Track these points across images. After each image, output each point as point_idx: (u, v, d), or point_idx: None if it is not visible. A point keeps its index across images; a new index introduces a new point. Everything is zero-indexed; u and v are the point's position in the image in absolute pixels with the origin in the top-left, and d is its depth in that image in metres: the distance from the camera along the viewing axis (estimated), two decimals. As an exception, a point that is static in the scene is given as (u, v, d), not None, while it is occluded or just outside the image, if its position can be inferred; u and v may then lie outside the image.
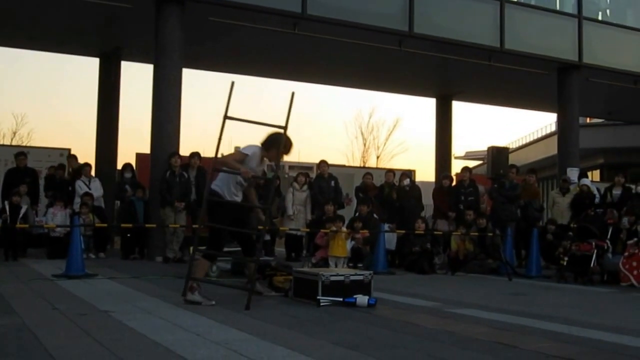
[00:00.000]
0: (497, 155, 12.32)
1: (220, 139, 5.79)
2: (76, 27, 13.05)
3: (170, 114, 11.20)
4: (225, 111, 5.74)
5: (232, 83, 5.74)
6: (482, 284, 8.89)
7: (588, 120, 30.77)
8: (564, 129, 15.50)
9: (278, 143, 5.93)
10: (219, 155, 6.02)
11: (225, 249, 7.86)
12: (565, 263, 9.22)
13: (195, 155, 11.19)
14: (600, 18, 15.80)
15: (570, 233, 9.87)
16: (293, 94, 5.77)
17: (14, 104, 56.32)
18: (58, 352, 3.59)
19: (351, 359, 3.61)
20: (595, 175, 30.56)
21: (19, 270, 8.62)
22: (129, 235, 11.37)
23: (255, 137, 6.28)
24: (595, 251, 8.93)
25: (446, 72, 16.16)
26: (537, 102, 19.32)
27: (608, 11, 16.01)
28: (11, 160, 11.70)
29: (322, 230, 10.39)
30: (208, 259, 6.07)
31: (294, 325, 4.76)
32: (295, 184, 11.64)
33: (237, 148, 6.37)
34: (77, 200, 11.37)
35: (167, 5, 11.15)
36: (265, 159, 6.18)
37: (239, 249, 6.77)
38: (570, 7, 15.09)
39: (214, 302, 5.64)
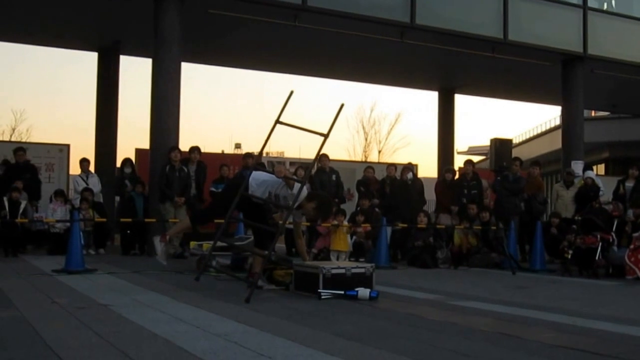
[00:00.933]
0: (500, 148, 12.19)
1: (267, 139, 6.31)
2: (74, 21, 12.95)
3: (169, 108, 11.11)
4: (278, 116, 6.16)
5: (291, 92, 6.21)
6: (485, 277, 8.83)
7: (593, 113, 30.64)
8: (568, 122, 15.35)
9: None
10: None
11: (236, 243, 7.86)
12: (569, 256, 9.13)
13: (195, 149, 11.10)
14: (605, 8, 15.66)
15: (575, 226, 9.79)
16: (342, 105, 6.06)
17: (13, 99, 56.33)
18: (57, 343, 3.59)
19: (352, 350, 3.60)
20: (601, 169, 30.46)
21: (19, 266, 8.61)
22: (128, 231, 11.32)
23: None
24: (600, 244, 8.85)
25: (449, 64, 16.04)
26: (542, 94, 19.20)
27: (613, 1, 15.83)
28: (10, 156, 11.63)
29: (323, 224, 10.30)
30: (191, 221, 6.56)
31: (294, 318, 4.73)
32: (296, 178, 11.51)
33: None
34: (76, 196, 11.34)
35: (166, -2, 11.05)
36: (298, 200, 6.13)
37: (251, 238, 6.80)
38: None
39: (165, 264, 6.13)
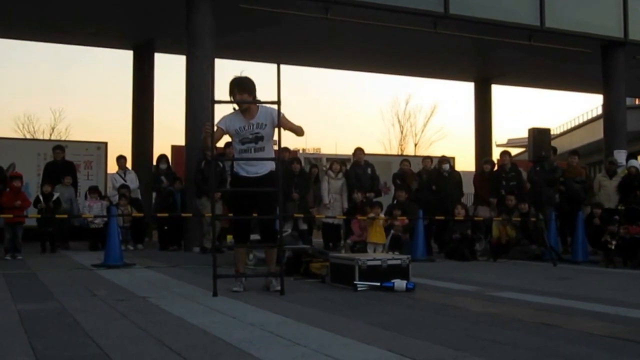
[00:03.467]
0: (538, 137, 11.89)
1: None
2: (110, 20, 13.23)
3: (203, 104, 11.19)
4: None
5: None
6: (525, 269, 8.68)
7: (637, 101, 29.85)
8: (609, 111, 15.01)
9: (231, 86, 5.65)
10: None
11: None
12: (613, 247, 8.90)
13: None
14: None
15: (617, 217, 9.53)
16: (279, 66, 5.53)
17: (52, 99, 57.84)
18: (96, 333, 3.68)
19: (388, 339, 3.57)
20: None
21: (59, 261, 8.87)
22: (166, 227, 11.46)
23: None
24: (646, 234, 8.60)
25: (484, 54, 15.89)
26: (582, 82, 18.86)
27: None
28: (50, 154, 11.91)
29: (358, 217, 10.28)
30: (238, 242, 5.97)
31: (330, 309, 4.73)
32: (330, 172, 11.52)
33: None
34: (114, 192, 11.53)
35: (197, -7, 11.17)
36: (247, 108, 5.65)
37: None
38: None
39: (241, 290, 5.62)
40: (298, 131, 5.79)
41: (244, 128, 5.62)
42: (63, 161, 11.61)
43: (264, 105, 5.67)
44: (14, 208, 9.33)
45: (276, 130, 5.63)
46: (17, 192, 9.63)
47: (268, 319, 4.22)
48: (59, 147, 11.88)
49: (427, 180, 11.61)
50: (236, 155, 5.81)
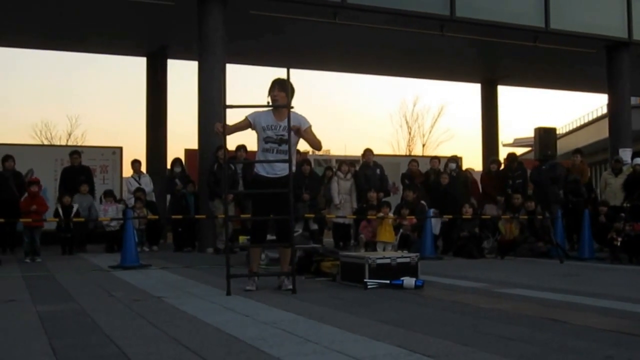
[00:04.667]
0: (544, 136, 12.08)
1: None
2: (124, 28, 13.43)
3: (215, 108, 11.38)
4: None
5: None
6: (532, 266, 8.79)
7: (641, 101, 29.76)
8: (614, 110, 15.09)
9: (273, 83, 5.76)
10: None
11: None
12: (619, 244, 9.02)
13: (241, 148, 11.35)
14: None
15: (623, 214, 9.65)
16: (288, 70, 5.72)
17: (68, 106, 58.39)
18: (114, 332, 3.77)
19: (398, 336, 3.64)
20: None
21: (77, 263, 8.99)
22: (180, 229, 11.67)
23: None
24: (651, 230, 8.73)
25: (490, 55, 15.94)
26: (587, 83, 18.85)
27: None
28: (67, 160, 12.12)
29: (368, 217, 10.45)
30: (254, 242, 6.08)
31: (341, 306, 4.81)
32: (340, 173, 11.69)
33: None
34: (130, 196, 11.74)
35: (209, 1, 11.33)
36: (282, 111, 5.73)
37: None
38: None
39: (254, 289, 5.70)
40: (316, 145, 6.01)
41: (272, 127, 5.71)
42: (80, 166, 11.81)
43: (295, 112, 5.73)
44: (31, 212, 9.53)
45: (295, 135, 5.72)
46: (34, 197, 9.82)
47: (280, 317, 4.29)
48: (76, 152, 12.08)
49: (435, 179, 11.78)
50: (259, 152, 5.82)
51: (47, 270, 7.87)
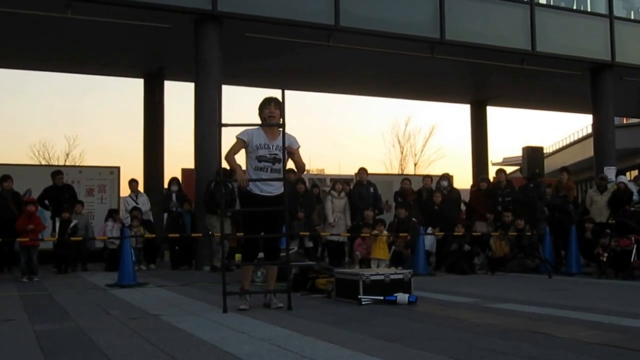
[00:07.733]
0: (532, 155, 12.34)
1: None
2: (122, 51, 13.60)
3: (211, 128, 11.56)
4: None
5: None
6: (521, 281, 8.94)
7: (625, 120, 30.30)
8: (599, 129, 15.40)
9: (268, 99, 5.79)
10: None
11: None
12: (605, 259, 9.24)
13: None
14: (632, 17, 15.71)
15: (608, 230, 9.89)
16: (283, 91, 5.80)
17: (66, 126, 58.27)
18: (111, 350, 3.77)
19: (392, 351, 3.69)
20: (634, 175, 30.00)
21: (74, 282, 9.01)
22: (177, 247, 11.78)
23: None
24: (635, 246, 8.96)
25: (479, 77, 16.23)
26: (572, 103, 19.23)
27: (640, 9, 15.92)
28: (66, 180, 12.15)
29: (361, 235, 10.62)
30: (246, 260, 6.05)
31: (335, 322, 4.87)
32: (333, 192, 11.86)
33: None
34: (126, 215, 11.85)
35: (205, 24, 11.51)
36: (274, 130, 5.77)
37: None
38: (602, 8, 15.03)
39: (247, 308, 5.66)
40: (301, 168, 6.18)
41: (264, 146, 5.70)
42: (63, 185, 11.75)
43: (287, 132, 5.75)
44: (27, 232, 9.57)
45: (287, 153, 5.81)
46: (31, 217, 9.81)
47: (276, 334, 4.31)
48: (59, 171, 12.01)
49: (427, 197, 12.01)
50: (250, 170, 5.77)
51: (45, 289, 7.87)
